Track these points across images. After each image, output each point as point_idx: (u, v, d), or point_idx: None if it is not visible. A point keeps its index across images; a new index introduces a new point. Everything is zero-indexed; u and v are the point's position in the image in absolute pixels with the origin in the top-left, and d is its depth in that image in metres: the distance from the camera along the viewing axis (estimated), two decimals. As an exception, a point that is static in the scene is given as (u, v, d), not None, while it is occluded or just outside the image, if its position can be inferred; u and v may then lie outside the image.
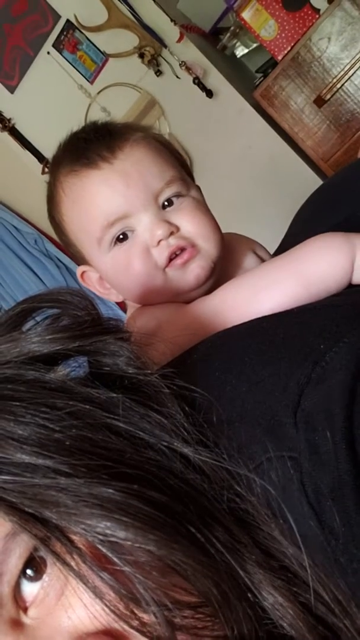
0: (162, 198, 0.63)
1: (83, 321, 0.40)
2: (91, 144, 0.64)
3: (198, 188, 0.71)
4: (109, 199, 0.62)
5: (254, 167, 2.26)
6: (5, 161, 2.55)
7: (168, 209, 0.64)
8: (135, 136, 0.64)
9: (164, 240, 0.62)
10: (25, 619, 0.30)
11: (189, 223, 0.64)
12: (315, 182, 2.12)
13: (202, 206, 0.67)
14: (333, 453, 0.30)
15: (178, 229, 0.63)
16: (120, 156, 0.62)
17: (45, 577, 0.30)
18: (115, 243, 0.63)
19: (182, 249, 0.62)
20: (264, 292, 0.53)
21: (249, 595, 0.30)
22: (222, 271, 0.67)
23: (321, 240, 0.54)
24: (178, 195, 0.64)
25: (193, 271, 0.63)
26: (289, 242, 0.62)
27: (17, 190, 2.58)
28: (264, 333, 0.42)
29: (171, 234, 0.62)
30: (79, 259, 0.70)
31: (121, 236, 0.63)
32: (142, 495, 0.30)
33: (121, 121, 0.74)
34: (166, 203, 0.64)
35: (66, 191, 0.65)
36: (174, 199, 0.64)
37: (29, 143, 2.50)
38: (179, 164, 0.69)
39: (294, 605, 0.30)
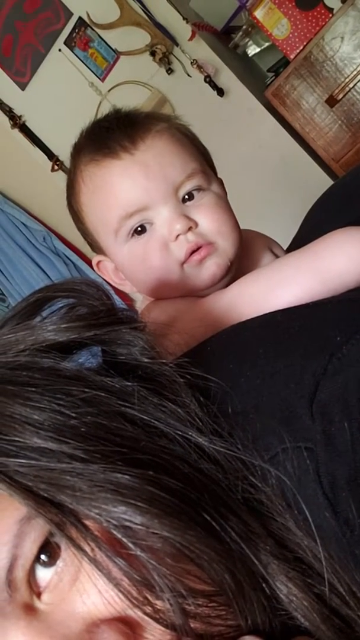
0: (182, 191, 0.63)
1: (98, 311, 0.40)
2: (113, 133, 0.63)
3: (220, 181, 0.70)
4: (128, 190, 0.61)
5: (264, 167, 2.26)
6: (15, 158, 2.56)
7: (188, 203, 0.63)
8: (158, 126, 0.64)
9: (182, 235, 0.61)
10: (39, 604, 0.30)
11: (207, 220, 0.63)
12: (326, 182, 2.11)
13: (223, 202, 0.66)
14: (350, 444, 0.30)
15: (197, 224, 0.62)
16: (142, 147, 0.61)
17: (59, 562, 0.30)
18: (132, 235, 0.63)
19: (200, 246, 0.62)
20: (280, 287, 0.53)
21: (264, 585, 0.30)
22: (238, 268, 0.66)
23: (339, 235, 0.53)
24: (199, 188, 0.64)
25: (209, 268, 0.62)
26: (300, 242, 0.61)
27: (26, 187, 2.59)
28: (279, 325, 0.42)
29: (189, 229, 0.61)
30: (96, 249, 0.69)
31: (139, 228, 0.62)
32: (158, 482, 0.30)
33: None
34: (187, 197, 0.63)
35: (85, 180, 0.64)
36: (194, 193, 0.63)
37: (39, 140, 2.51)
38: (202, 156, 0.68)
39: (308, 597, 0.30)
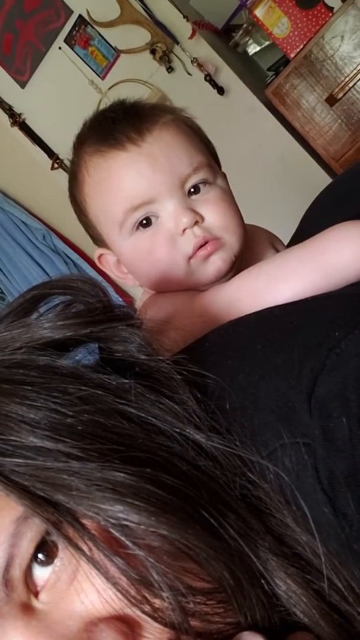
0: (188, 184, 0.62)
1: (94, 308, 0.39)
2: (119, 124, 0.62)
3: (224, 176, 0.69)
4: (134, 182, 0.60)
5: (264, 166, 2.26)
6: (14, 156, 2.56)
7: (194, 196, 0.62)
8: (164, 118, 0.63)
9: (188, 229, 0.60)
10: (37, 604, 0.30)
11: (213, 214, 0.62)
12: (326, 181, 2.11)
13: (228, 196, 0.66)
14: (348, 439, 0.30)
15: (203, 218, 0.62)
16: (149, 139, 0.61)
17: (56, 561, 0.30)
18: (137, 228, 0.62)
19: (207, 241, 0.61)
20: (282, 282, 0.52)
21: (262, 582, 0.30)
22: (241, 263, 0.65)
23: (341, 228, 0.52)
24: (205, 182, 0.63)
25: (214, 263, 0.62)
26: (298, 240, 0.61)
27: (26, 185, 2.59)
28: (277, 321, 0.41)
29: (195, 223, 0.61)
30: (98, 241, 0.69)
31: (144, 221, 0.61)
32: (155, 480, 0.30)
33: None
34: (192, 190, 0.62)
35: (90, 171, 0.63)
36: (200, 186, 0.63)
37: (39, 138, 2.51)
38: (207, 149, 0.68)
39: (307, 593, 0.30)
